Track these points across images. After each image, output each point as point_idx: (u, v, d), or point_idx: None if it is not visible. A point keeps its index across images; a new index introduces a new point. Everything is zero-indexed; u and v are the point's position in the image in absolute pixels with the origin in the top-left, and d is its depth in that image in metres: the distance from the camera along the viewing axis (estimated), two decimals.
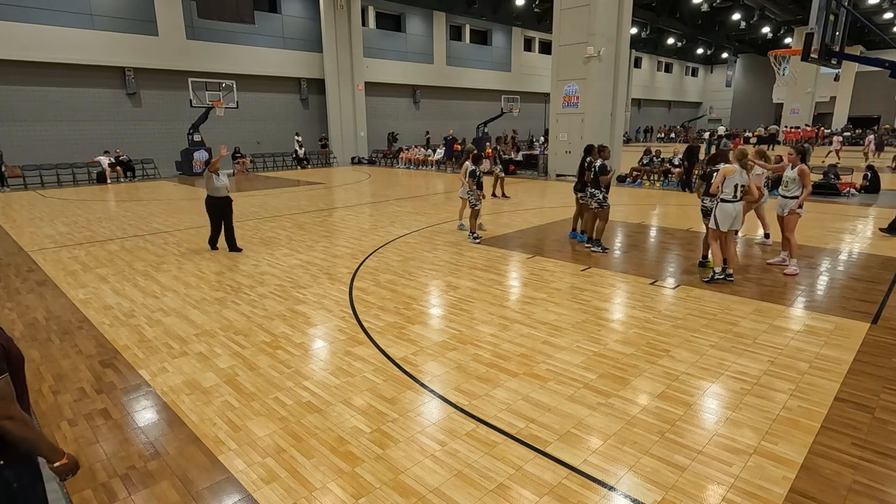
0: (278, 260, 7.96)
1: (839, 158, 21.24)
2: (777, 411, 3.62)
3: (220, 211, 8.22)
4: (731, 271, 6.60)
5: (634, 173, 16.66)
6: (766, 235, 8.48)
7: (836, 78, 37.88)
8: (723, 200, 6.40)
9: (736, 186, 6.32)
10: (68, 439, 3.45)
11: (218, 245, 8.60)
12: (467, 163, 9.15)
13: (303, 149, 23.79)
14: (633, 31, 30.34)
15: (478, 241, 8.88)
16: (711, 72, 54.31)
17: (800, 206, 6.82)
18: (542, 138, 32.77)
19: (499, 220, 10.69)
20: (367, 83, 25.77)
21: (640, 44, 39.33)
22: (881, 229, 8.76)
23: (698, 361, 4.40)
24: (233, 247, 8.40)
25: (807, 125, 34.55)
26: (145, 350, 4.82)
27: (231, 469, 3.11)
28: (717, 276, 6.54)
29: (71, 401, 3.94)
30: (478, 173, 8.77)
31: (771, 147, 29.67)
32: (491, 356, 4.56)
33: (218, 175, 8.05)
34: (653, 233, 9.61)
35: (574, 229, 9.14)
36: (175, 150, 20.71)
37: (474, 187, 8.75)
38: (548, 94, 21.15)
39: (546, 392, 3.93)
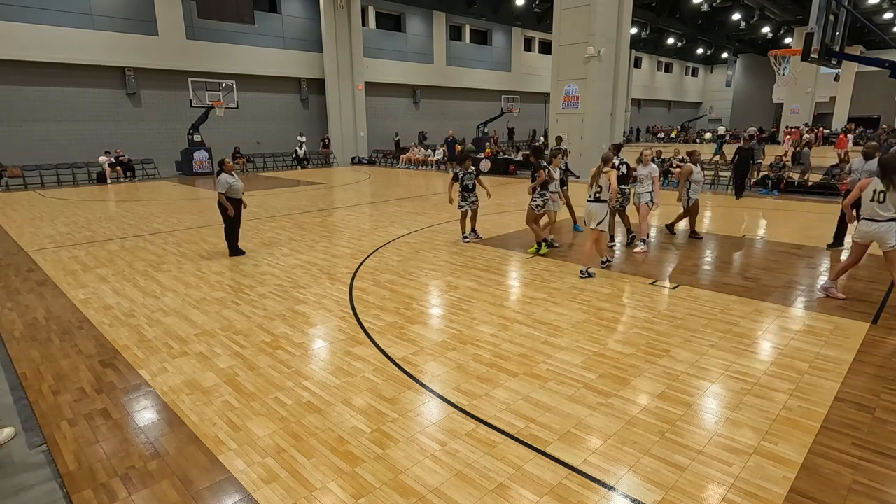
0: (278, 260, 7.96)
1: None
2: (777, 411, 3.62)
3: (239, 213, 8.05)
4: (605, 259, 7.18)
5: (634, 173, 16.65)
6: (629, 231, 8.58)
7: (836, 78, 37.87)
8: (587, 200, 6.90)
9: (598, 187, 6.81)
10: (68, 439, 3.45)
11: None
12: (549, 170, 7.98)
13: (303, 149, 23.80)
14: (633, 31, 30.35)
15: (467, 241, 8.86)
16: (711, 72, 54.31)
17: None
18: (541, 138, 32.79)
19: (499, 220, 10.69)
20: (367, 83, 25.78)
21: (640, 44, 39.33)
22: (828, 245, 8.20)
23: (698, 361, 4.40)
24: (235, 250, 8.36)
25: (806, 124, 34.39)
26: (145, 350, 4.82)
27: (231, 469, 3.11)
28: (582, 275, 6.84)
29: (71, 401, 3.93)
30: (460, 175, 8.50)
31: (805, 147, 29.22)
32: (491, 356, 4.56)
33: (234, 175, 8.00)
34: (652, 233, 9.61)
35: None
36: (175, 150, 20.73)
37: (459, 189, 8.50)
38: (548, 94, 21.15)
39: (546, 392, 3.93)
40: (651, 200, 8.18)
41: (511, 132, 32.89)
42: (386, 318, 5.49)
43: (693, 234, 8.98)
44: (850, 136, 26.58)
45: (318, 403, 3.83)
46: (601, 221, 6.81)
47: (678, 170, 16.03)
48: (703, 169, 9.27)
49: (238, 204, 7.98)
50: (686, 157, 8.75)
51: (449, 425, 3.53)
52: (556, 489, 2.89)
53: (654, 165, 8.27)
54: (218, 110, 19.87)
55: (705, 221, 10.64)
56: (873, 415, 3.56)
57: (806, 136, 23.56)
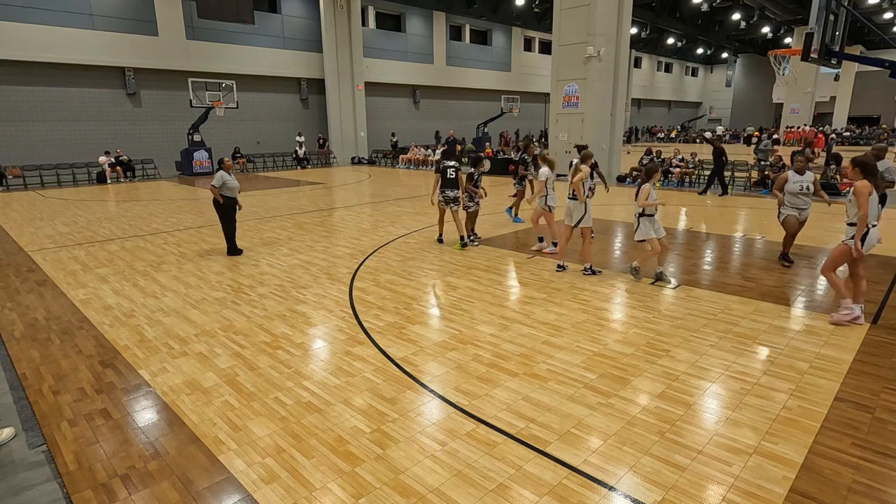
0: (278, 260, 7.96)
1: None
2: (777, 411, 3.62)
3: (234, 212, 8.09)
4: (588, 265, 7.00)
5: (634, 173, 16.68)
6: (540, 239, 8.28)
7: (836, 78, 37.91)
8: (568, 198, 7.05)
9: (552, 184, 7.24)
10: (68, 439, 3.45)
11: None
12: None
13: (303, 149, 23.79)
14: (633, 31, 30.38)
15: (465, 246, 8.54)
16: (711, 72, 54.32)
17: (851, 238, 5.01)
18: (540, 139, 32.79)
19: (499, 220, 10.69)
20: (367, 83, 25.78)
21: (640, 44, 39.34)
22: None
23: (698, 361, 4.40)
24: (232, 249, 8.36)
25: (807, 125, 34.38)
26: (145, 350, 4.82)
27: (231, 469, 3.11)
28: (559, 269, 7.15)
29: (71, 401, 3.93)
30: (476, 176, 8.39)
31: (805, 147, 29.26)
32: (491, 356, 4.56)
33: (231, 174, 7.99)
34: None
35: None
36: (175, 150, 20.73)
37: (472, 188, 8.39)
38: (548, 94, 21.15)
39: (546, 392, 3.93)
40: (545, 204, 7.77)
41: (516, 134, 32.93)
42: (386, 318, 5.49)
43: (783, 257, 7.41)
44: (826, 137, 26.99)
45: (318, 403, 3.83)
46: (580, 219, 6.86)
47: (677, 170, 16.08)
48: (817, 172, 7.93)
49: (234, 203, 7.99)
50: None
51: (449, 425, 3.53)
52: (556, 489, 2.89)
53: (545, 169, 7.67)
54: (218, 110, 19.87)
55: (704, 222, 10.64)
56: (873, 415, 3.56)
57: (775, 136, 24.23)
